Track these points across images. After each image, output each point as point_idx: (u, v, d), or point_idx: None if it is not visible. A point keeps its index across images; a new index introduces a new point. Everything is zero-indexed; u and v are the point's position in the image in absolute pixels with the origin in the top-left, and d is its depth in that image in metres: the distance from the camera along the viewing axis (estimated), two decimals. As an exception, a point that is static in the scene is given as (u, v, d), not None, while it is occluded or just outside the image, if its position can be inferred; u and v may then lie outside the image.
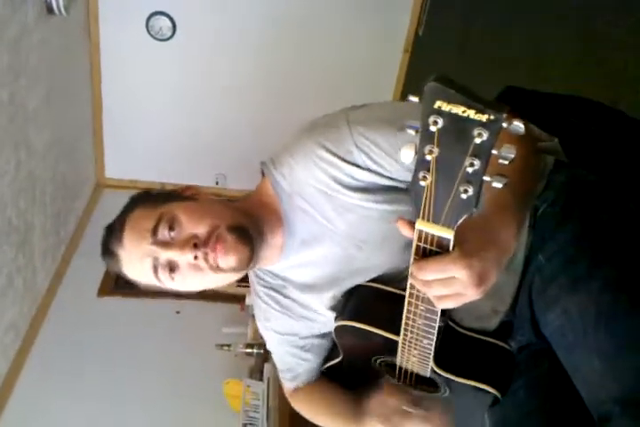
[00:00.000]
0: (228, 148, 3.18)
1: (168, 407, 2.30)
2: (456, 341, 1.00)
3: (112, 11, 2.84)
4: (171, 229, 0.98)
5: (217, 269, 0.99)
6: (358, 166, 0.97)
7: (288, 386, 1.27)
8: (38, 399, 2.25)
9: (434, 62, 2.79)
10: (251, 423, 2.15)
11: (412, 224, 0.71)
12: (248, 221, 1.02)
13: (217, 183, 3.27)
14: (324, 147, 0.98)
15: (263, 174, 1.09)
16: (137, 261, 1.01)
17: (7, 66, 1.99)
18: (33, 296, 2.47)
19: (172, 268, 0.99)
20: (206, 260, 0.98)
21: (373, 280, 1.05)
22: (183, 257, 0.98)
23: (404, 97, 3.05)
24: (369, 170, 0.98)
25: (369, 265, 1.05)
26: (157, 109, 3.14)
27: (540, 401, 1.02)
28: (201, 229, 0.98)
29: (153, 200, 1.04)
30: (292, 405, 1.28)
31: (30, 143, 2.27)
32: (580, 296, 0.92)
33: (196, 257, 0.97)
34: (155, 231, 0.98)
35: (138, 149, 3.24)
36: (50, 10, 2.28)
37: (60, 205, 2.69)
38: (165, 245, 0.98)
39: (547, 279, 0.98)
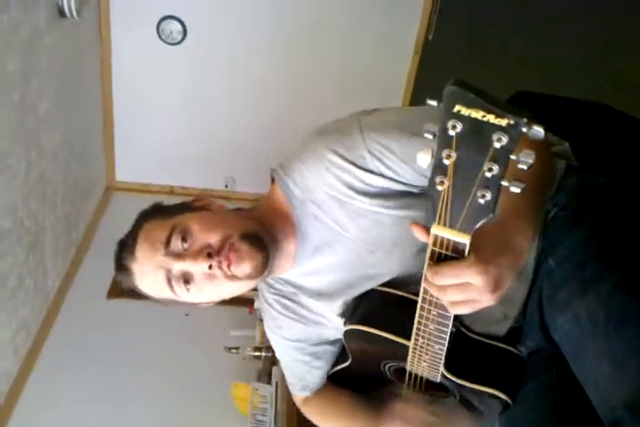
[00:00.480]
0: (237, 151, 3.18)
1: (176, 409, 2.30)
2: (467, 346, 1.00)
3: (123, 14, 2.85)
4: (183, 240, 0.98)
5: (232, 277, 0.98)
6: (371, 172, 0.97)
7: (299, 396, 1.26)
8: (49, 399, 2.25)
9: (443, 66, 2.79)
10: (258, 427, 2.15)
11: (426, 229, 0.71)
12: (262, 230, 1.01)
13: (226, 186, 3.27)
14: (336, 152, 0.98)
15: (273, 181, 1.08)
16: (150, 274, 1.00)
17: (19, 68, 2.00)
18: (43, 297, 2.48)
19: (186, 279, 0.99)
20: (220, 268, 0.97)
21: (384, 284, 1.05)
22: (197, 267, 0.97)
23: (413, 100, 3.05)
24: (382, 176, 0.97)
25: (380, 271, 1.04)
26: (168, 113, 3.14)
27: (549, 407, 1.01)
28: (214, 239, 0.98)
29: (164, 213, 1.04)
30: (305, 413, 1.27)
31: (41, 145, 2.28)
32: (590, 300, 0.91)
33: (210, 266, 0.96)
34: (167, 243, 0.98)
35: (148, 152, 3.24)
36: (62, 13, 2.29)
37: (70, 207, 2.70)
38: (178, 256, 0.97)
39: (556, 284, 0.97)
